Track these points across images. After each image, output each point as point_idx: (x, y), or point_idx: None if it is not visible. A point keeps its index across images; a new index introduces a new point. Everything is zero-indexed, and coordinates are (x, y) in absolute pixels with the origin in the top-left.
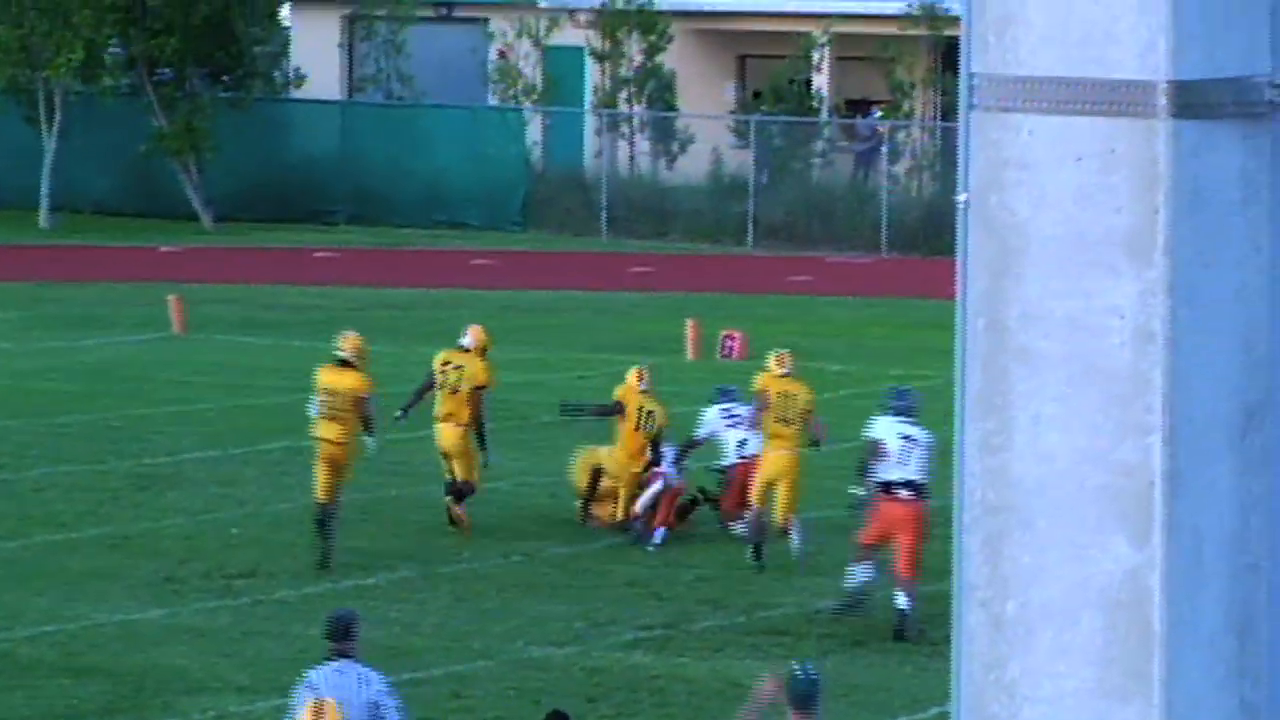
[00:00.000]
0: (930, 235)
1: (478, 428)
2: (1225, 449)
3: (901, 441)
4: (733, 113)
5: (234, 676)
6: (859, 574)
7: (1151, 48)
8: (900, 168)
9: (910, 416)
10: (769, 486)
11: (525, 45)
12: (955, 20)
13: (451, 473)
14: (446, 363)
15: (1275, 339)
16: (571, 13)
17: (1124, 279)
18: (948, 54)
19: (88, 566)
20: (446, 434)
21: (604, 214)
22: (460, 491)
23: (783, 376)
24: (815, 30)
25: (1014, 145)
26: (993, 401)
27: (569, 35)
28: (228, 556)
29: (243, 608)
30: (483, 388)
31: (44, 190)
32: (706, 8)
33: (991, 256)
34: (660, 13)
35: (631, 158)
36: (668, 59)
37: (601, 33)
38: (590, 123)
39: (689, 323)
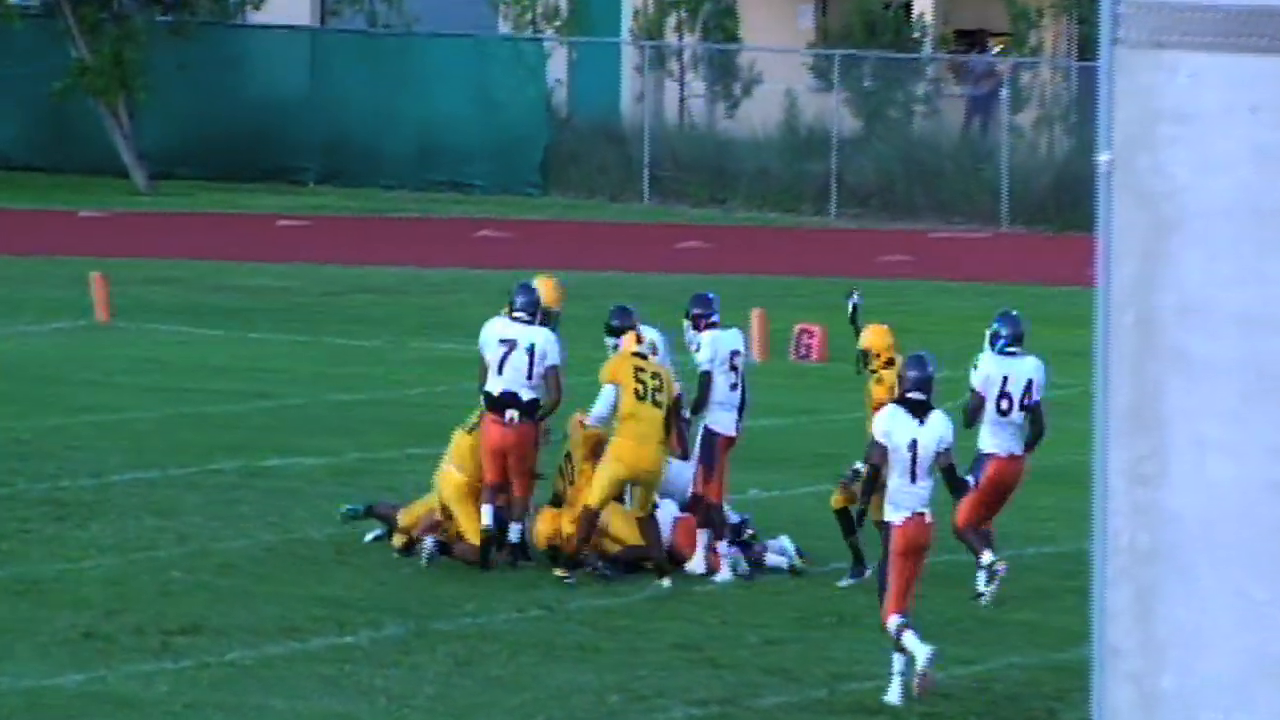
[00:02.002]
0: (1063, 206)
1: None
2: None
3: (500, 347)
4: (811, 46)
5: None
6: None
7: None
8: (1025, 118)
9: (528, 314)
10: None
11: None
12: None
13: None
14: None
15: None
16: None
17: None
18: None
19: None
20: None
21: (645, 174)
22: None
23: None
24: None
25: (1170, 92)
26: (1144, 419)
27: None
28: (166, 607)
29: (185, 672)
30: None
31: None
32: None
33: (1141, 233)
34: None
35: (681, 102)
36: None
37: None
38: (629, 57)
39: (754, 313)
